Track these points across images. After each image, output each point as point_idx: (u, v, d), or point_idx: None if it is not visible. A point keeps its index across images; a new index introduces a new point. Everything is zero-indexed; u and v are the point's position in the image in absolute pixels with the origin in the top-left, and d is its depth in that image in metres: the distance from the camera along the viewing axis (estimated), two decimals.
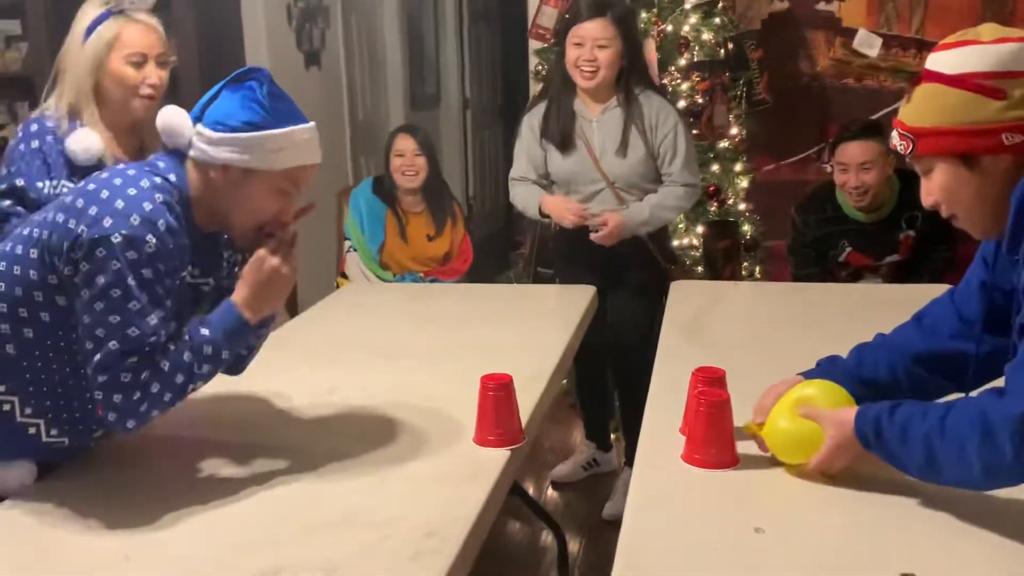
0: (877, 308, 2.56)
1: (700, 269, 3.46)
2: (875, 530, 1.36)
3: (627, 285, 2.94)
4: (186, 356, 1.44)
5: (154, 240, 1.39)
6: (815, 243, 3.13)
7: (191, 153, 1.48)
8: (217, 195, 1.49)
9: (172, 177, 1.48)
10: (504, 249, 5.36)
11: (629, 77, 2.78)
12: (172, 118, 1.48)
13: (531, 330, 2.37)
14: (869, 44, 3.35)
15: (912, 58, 3.92)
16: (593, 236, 2.80)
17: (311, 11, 5.04)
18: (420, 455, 1.63)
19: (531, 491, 3.14)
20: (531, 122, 2.91)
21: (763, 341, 2.30)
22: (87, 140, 2.02)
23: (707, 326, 2.39)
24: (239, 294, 1.51)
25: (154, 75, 2.06)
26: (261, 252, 1.51)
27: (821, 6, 3.97)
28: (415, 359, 2.16)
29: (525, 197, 2.92)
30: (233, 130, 1.44)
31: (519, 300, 2.76)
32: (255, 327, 1.53)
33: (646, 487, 1.53)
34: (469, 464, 1.59)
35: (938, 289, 2.65)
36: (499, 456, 1.62)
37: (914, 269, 3.03)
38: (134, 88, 2.05)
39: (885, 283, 3.06)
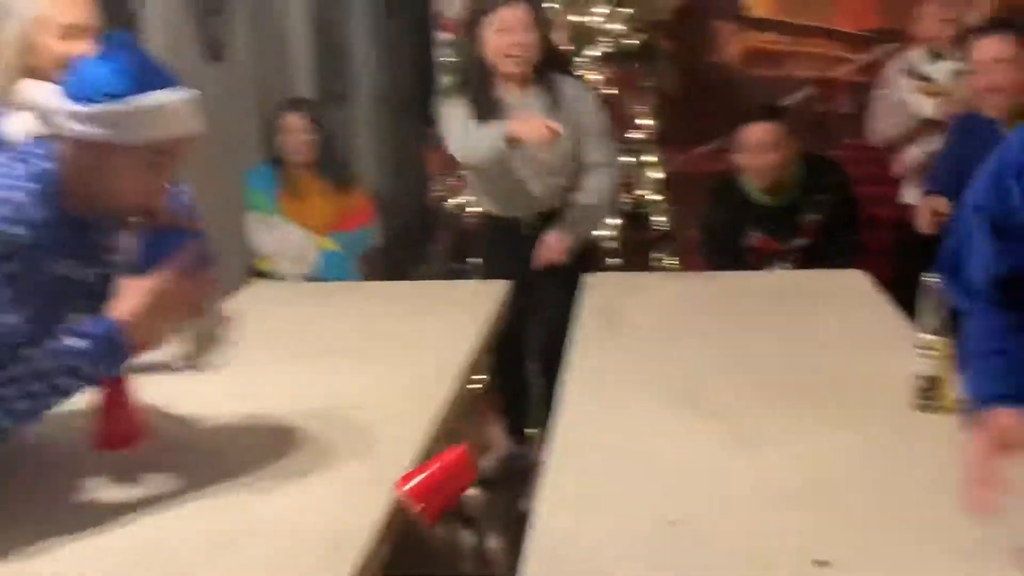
0: (790, 295, 2.59)
1: (615, 260, 3.45)
2: (787, 521, 1.35)
3: (556, 274, 2.90)
4: (46, 364, 1.33)
5: (20, 233, 1.29)
6: (723, 229, 3.14)
7: (55, 131, 1.37)
8: (85, 175, 1.38)
9: (43, 162, 1.37)
10: (419, 245, 5.28)
11: (546, 61, 2.79)
12: (36, 94, 1.37)
13: (443, 326, 2.31)
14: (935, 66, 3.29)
15: (820, 47, 3.99)
16: (540, 262, 2.81)
17: (213, 3, 4.88)
18: (326, 459, 1.56)
19: None
20: (455, 107, 2.83)
21: (678, 330, 2.29)
22: (27, 123, 1.82)
23: (622, 316, 2.37)
24: (123, 308, 1.36)
25: (89, 46, 1.74)
26: (165, 270, 1.38)
27: None
28: (323, 359, 2.08)
29: (480, 137, 2.71)
30: (91, 101, 1.33)
31: (431, 296, 2.69)
32: (131, 350, 1.39)
33: (560, 481, 1.49)
34: (376, 467, 1.53)
35: (850, 275, 2.74)
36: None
37: (823, 254, 3.06)
38: (59, 62, 1.73)
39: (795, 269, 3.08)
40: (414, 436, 1.65)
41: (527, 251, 2.84)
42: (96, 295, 1.44)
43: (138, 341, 1.38)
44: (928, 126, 3.17)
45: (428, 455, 1.58)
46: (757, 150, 2.99)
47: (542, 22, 2.78)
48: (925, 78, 3.21)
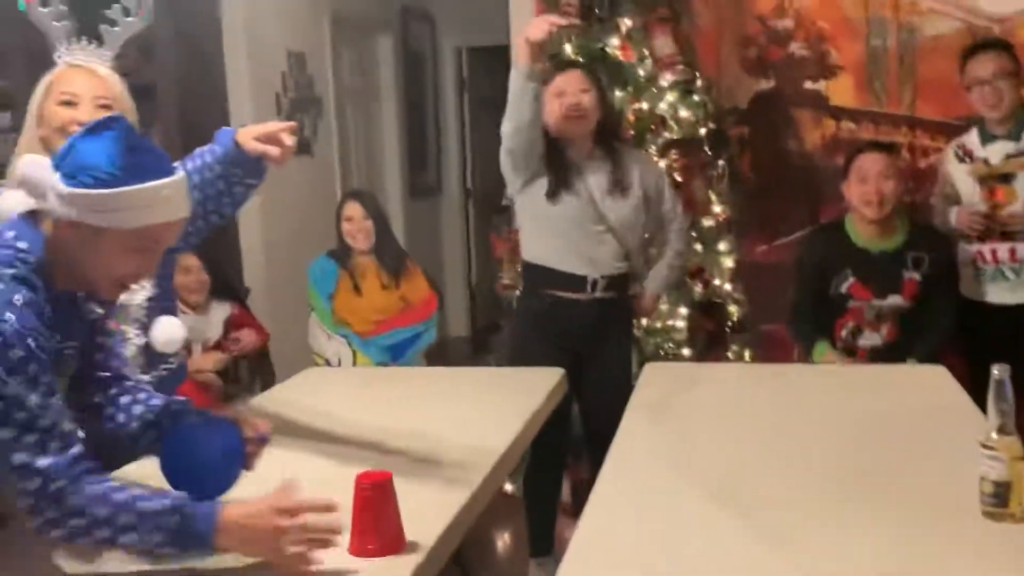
0: (859, 389, 2.42)
1: (686, 352, 3.32)
2: None
3: (605, 361, 2.82)
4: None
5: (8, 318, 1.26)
6: (819, 265, 2.99)
7: (46, 208, 1.36)
8: (72, 254, 1.37)
9: (22, 244, 1.35)
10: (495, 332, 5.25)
11: (607, 129, 2.87)
12: (33, 169, 1.36)
13: (477, 416, 2.22)
14: None
15: (904, 136, 3.84)
16: (641, 313, 3.02)
17: (302, 101, 5.07)
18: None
19: None
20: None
21: (730, 422, 2.15)
22: (20, 201, 1.89)
23: (674, 409, 2.25)
24: (235, 513, 1.32)
25: (88, 115, 1.82)
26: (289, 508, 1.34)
27: (808, 85, 3.91)
28: (346, 446, 2.01)
29: (513, 96, 2.68)
30: (83, 185, 1.32)
31: (479, 383, 2.61)
32: (209, 550, 1.32)
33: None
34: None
35: (930, 370, 2.54)
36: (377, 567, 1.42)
37: (914, 334, 2.90)
38: (62, 129, 1.85)
39: (884, 344, 2.91)
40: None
41: (572, 333, 2.80)
42: (79, 368, 1.43)
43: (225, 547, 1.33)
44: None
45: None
46: (871, 178, 2.87)
47: (600, 88, 2.85)
48: (977, 160, 3.04)
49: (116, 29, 1.99)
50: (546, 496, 3.01)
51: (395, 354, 3.48)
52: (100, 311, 1.51)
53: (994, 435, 1.52)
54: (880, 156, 2.94)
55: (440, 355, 4.00)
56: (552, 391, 2.47)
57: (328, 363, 3.48)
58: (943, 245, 2.99)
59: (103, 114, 1.82)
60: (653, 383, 2.49)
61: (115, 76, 1.97)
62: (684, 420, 2.16)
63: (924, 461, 1.82)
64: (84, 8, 2.06)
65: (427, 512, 1.58)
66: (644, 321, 3.23)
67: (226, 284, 3.60)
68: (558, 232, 2.83)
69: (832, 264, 2.96)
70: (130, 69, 4.40)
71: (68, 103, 1.89)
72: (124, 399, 1.58)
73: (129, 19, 2.00)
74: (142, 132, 1.78)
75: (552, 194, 2.79)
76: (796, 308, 3.05)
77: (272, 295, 4.53)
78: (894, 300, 2.91)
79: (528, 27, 2.65)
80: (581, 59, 3.31)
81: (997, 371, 1.52)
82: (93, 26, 2.01)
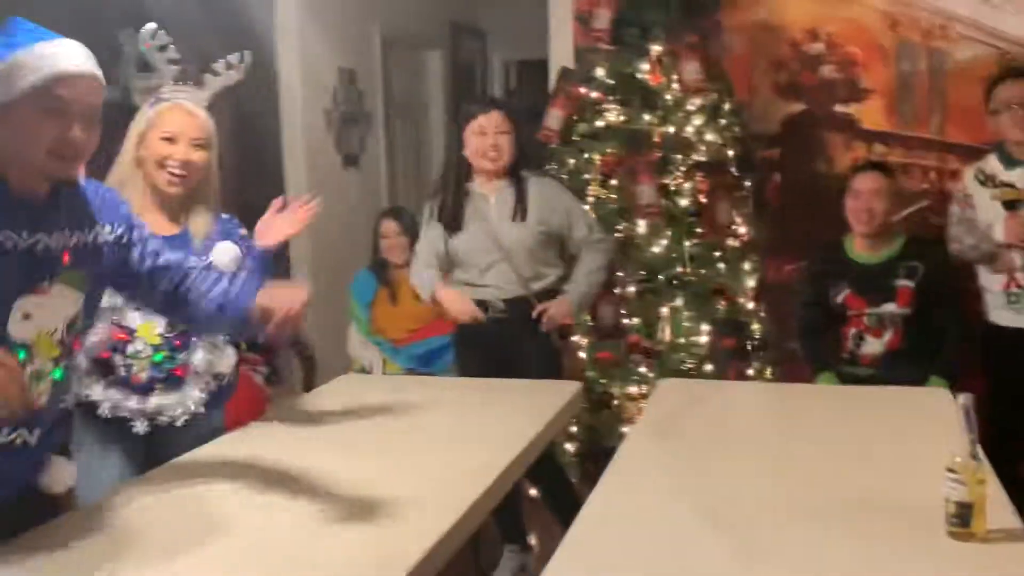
0: (860, 409, 2.50)
1: (708, 368, 3.42)
2: None
3: (526, 364, 2.99)
4: None
5: None
6: (818, 279, 3.20)
7: None
8: None
9: None
10: None
11: (519, 161, 3.07)
12: None
13: (493, 424, 2.37)
14: None
15: (933, 159, 3.89)
16: (544, 325, 3.00)
17: (351, 116, 5.27)
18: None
19: None
20: (430, 207, 3.16)
21: (730, 439, 2.26)
22: None
23: (680, 423, 2.36)
24: None
25: (183, 154, 2.17)
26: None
27: (839, 108, 3.98)
28: (366, 451, 2.17)
29: (423, 280, 3.13)
30: None
31: (495, 393, 2.76)
32: None
33: None
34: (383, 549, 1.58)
35: (932, 392, 2.61)
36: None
37: (924, 330, 3.02)
38: (162, 162, 2.17)
39: (887, 350, 3.05)
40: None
41: (493, 347, 3.01)
42: (32, 265, 1.56)
43: None
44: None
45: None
46: (863, 194, 3.06)
47: (516, 127, 3.05)
48: (1002, 184, 3.09)
49: (217, 78, 2.29)
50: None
51: (425, 362, 3.64)
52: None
53: (958, 459, 1.61)
54: (874, 175, 3.10)
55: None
56: (569, 402, 2.61)
57: (363, 369, 3.66)
58: (937, 253, 3.12)
59: (197, 154, 2.19)
60: (664, 399, 2.60)
61: (209, 119, 2.25)
62: (683, 436, 2.27)
63: (909, 482, 1.90)
64: (190, 55, 2.37)
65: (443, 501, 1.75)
66: (667, 336, 3.34)
67: None
68: (455, 257, 3.08)
69: (830, 277, 3.15)
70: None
71: (168, 139, 2.18)
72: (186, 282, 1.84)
73: (230, 71, 2.32)
74: None
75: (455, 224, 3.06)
76: (800, 321, 3.22)
77: (317, 303, 4.71)
78: (889, 308, 3.05)
79: (458, 309, 3.02)
80: (612, 81, 3.45)
81: (962, 399, 1.62)
82: (196, 72, 2.32)
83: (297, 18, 4.79)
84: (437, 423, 2.41)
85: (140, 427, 2.19)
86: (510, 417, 2.41)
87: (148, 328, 2.17)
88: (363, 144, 5.43)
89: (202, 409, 2.24)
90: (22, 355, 1.57)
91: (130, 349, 2.16)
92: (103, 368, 2.16)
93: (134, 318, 2.16)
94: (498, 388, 2.79)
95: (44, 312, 1.60)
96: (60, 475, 1.74)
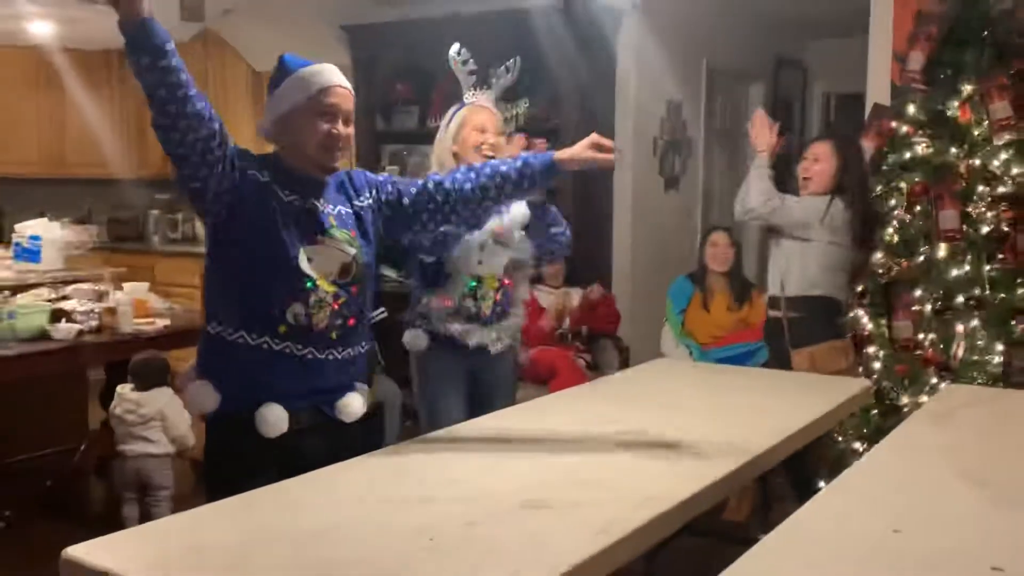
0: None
1: (999, 385, 3.60)
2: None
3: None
4: None
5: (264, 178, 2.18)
6: None
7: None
8: (286, 139, 2.23)
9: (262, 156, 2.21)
10: None
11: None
12: None
13: (787, 403, 2.84)
14: None
15: None
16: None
17: (675, 143, 5.86)
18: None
19: None
20: None
21: (1010, 436, 2.55)
22: None
23: (957, 416, 2.68)
24: None
25: (493, 140, 2.96)
26: None
27: None
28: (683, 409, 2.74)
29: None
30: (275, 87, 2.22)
31: (787, 382, 3.23)
32: None
33: None
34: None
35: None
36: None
37: None
38: (478, 147, 2.95)
39: None
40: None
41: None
42: (310, 221, 2.16)
43: None
44: None
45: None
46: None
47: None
48: None
49: (500, 81, 3.10)
50: None
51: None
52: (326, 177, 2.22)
53: None
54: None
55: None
56: (855, 395, 3.02)
57: None
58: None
59: (494, 140, 3.01)
60: (945, 398, 2.92)
61: (498, 113, 3.10)
62: (961, 428, 2.59)
63: None
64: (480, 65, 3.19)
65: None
66: (961, 352, 3.58)
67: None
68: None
69: None
70: (541, 117, 5.52)
71: (480, 130, 3.00)
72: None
73: (508, 75, 3.10)
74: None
75: None
76: None
77: (636, 307, 5.37)
78: None
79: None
80: (923, 118, 3.76)
81: None
82: (485, 78, 3.12)
83: (635, 59, 5.47)
84: (738, 400, 2.92)
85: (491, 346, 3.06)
86: (803, 399, 2.88)
87: (493, 279, 3.03)
88: (684, 167, 6.00)
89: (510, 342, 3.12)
90: (309, 284, 2.14)
91: (479, 293, 3.02)
92: (464, 310, 3.01)
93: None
94: (790, 379, 3.25)
95: (321, 258, 2.16)
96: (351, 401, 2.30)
